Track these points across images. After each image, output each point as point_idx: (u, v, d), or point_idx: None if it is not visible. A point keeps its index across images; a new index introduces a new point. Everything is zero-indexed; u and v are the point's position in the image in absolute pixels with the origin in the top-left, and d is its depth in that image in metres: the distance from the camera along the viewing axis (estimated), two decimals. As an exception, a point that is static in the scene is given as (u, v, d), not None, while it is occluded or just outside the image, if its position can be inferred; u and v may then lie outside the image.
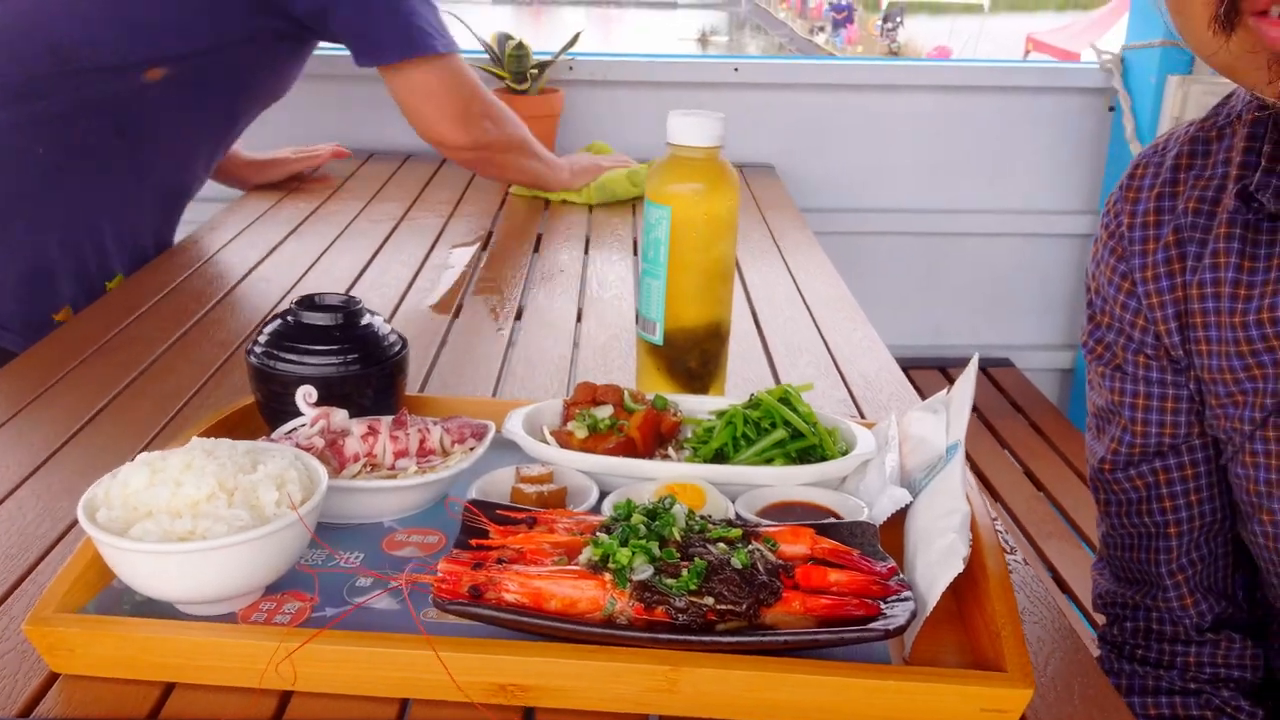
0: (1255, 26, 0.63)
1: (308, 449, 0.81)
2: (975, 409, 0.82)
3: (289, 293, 1.44)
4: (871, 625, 0.65)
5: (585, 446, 0.88)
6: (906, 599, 0.68)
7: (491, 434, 0.88)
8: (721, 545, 0.69)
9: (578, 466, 0.86)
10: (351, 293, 1.02)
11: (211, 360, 1.21)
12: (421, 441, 0.85)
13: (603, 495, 0.83)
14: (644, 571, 0.66)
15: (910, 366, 2.41)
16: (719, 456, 0.88)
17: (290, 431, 0.85)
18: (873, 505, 0.82)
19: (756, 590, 0.66)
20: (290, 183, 2.02)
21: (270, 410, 0.91)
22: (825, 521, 0.78)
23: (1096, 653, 0.95)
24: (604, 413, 0.90)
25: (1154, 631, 0.89)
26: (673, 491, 0.78)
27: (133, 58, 1.50)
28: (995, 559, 0.73)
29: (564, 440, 0.89)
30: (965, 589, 0.73)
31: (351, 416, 0.86)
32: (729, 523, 0.73)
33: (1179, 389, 0.85)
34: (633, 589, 0.66)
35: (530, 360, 1.25)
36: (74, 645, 0.66)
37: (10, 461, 0.97)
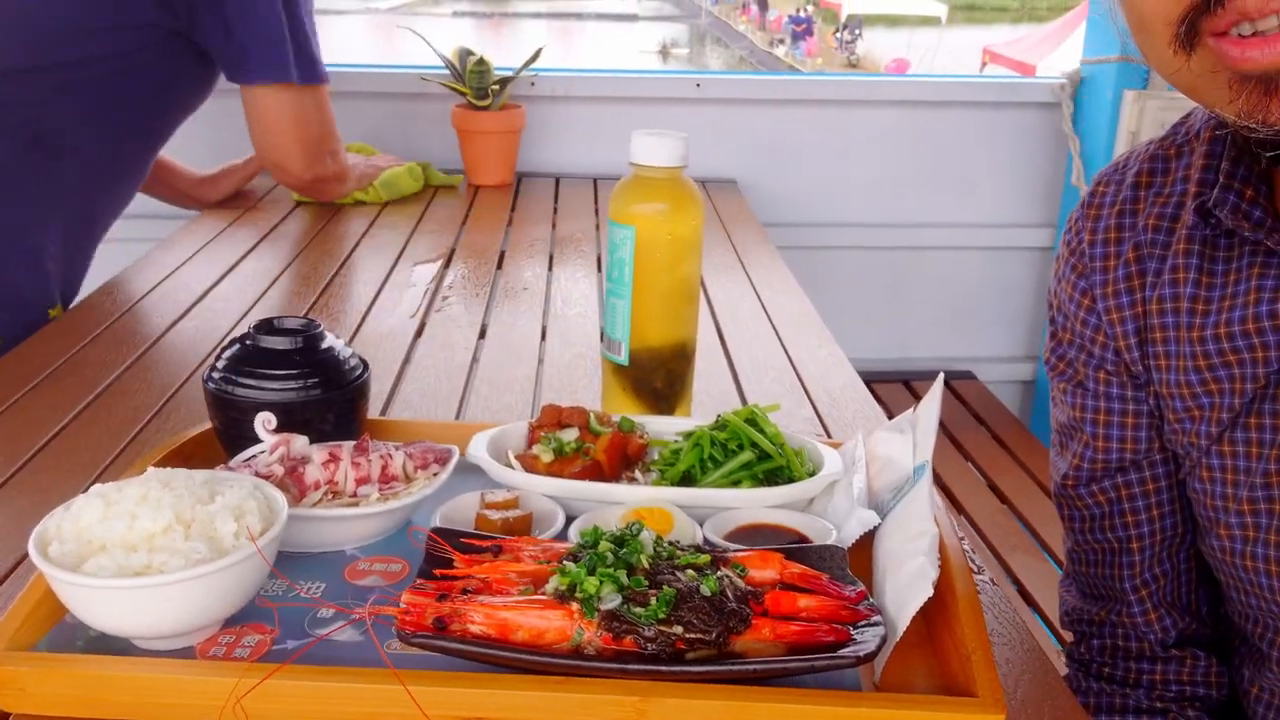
0: (1215, 46, 0.64)
1: (267, 477, 0.79)
2: (940, 423, 0.82)
3: (247, 314, 1.42)
4: (842, 652, 0.65)
5: (551, 470, 0.87)
6: (876, 624, 0.67)
7: (455, 459, 0.87)
8: (690, 572, 0.68)
9: (544, 491, 0.85)
10: (312, 313, 1.00)
11: (167, 385, 1.19)
12: (384, 468, 0.84)
13: (569, 519, 0.82)
14: (612, 600, 0.65)
15: (874, 380, 2.42)
16: (686, 479, 0.87)
17: (249, 459, 0.83)
18: (841, 528, 0.81)
19: (726, 618, 0.65)
20: (247, 199, 2.00)
21: (229, 437, 0.89)
22: (794, 545, 0.77)
23: (1064, 670, 0.95)
24: (570, 435, 0.89)
25: (1120, 649, 0.90)
26: (640, 516, 0.77)
27: (42, 61, 1.46)
28: (964, 581, 0.72)
29: (529, 464, 0.88)
30: (935, 612, 0.72)
31: (312, 443, 0.84)
32: (697, 548, 0.73)
33: (1139, 404, 0.85)
34: (600, 618, 0.65)
35: (494, 381, 1.23)
36: (25, 684, 0.64)
37: (-41, 492, 0.94)
